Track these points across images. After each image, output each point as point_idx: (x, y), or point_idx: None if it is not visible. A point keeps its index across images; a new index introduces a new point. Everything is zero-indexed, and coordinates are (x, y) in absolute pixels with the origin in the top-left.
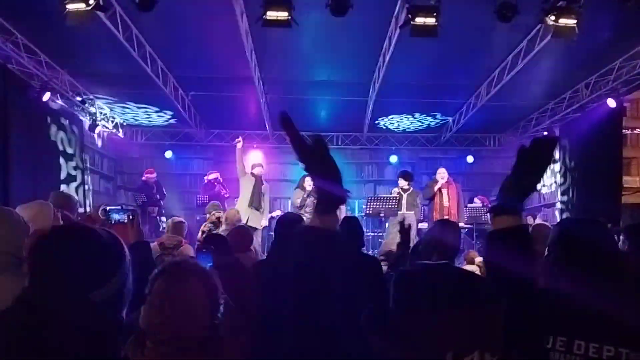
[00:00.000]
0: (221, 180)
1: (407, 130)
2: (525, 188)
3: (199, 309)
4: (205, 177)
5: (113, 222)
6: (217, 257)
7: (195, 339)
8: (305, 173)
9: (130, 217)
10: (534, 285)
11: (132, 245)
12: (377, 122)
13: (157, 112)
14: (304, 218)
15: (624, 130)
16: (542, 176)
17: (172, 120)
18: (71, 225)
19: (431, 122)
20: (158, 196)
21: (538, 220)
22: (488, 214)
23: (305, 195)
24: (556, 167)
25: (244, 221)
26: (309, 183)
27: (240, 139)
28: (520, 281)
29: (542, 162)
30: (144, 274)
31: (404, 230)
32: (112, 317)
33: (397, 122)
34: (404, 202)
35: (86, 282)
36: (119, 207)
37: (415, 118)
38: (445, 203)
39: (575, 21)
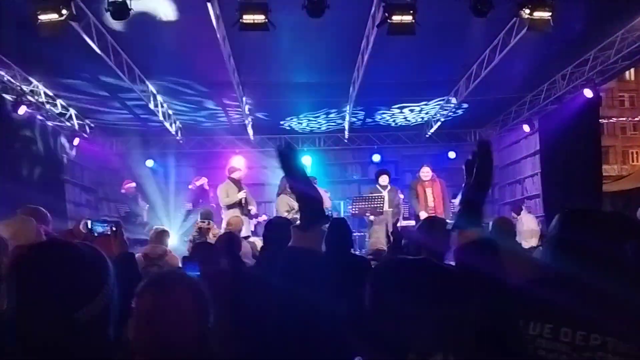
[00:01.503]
0: (195, 186)
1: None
2: (480, 198)
3: (189, 320)
4: (190, 185)
5: (96, 235)
6: (205, 266)
7: (185, 351)
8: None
9: (114, 229)
10: (505, 283)
11: (117, 258)
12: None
13: None
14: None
15: (600, 120)
16: (489, 181)
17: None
18: (52, 242)
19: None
20: (143, 204)
21: (524, 213)
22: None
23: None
24: (537, 158)
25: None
26: None
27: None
28: (492, 280)
29: (485, 169)
30: (130, 287)
31: (397, 234)
32: (99, 336)
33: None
34: (385, 200)
35: (71, 301)
36: (102, 220)
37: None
38: (430, 203)
39: (549, 14)
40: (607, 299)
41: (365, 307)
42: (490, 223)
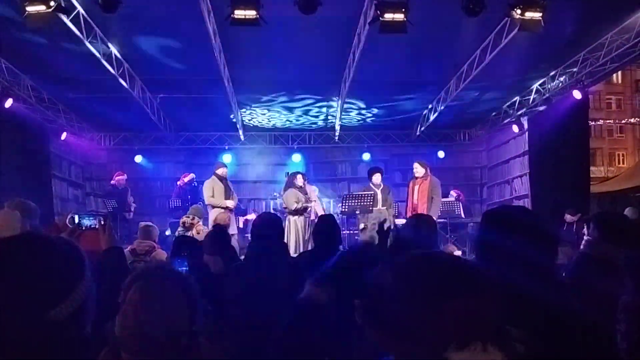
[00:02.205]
0: (184, 183)
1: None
2: None
3: (177, 315)
4: (179, 181)
5: (84, 229)
6: (192, 261)
7: (173, 347)
8: (292, 171)
9: (102, 222)
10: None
11: (105, 252)
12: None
13: None
14: (302, 218)
15: (588, 121)
16: None
17: None
18: (25, 235)
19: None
20: (131, 210)
21: None
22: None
23: (301, 195)
24: (526, 159)
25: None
26: (301, 181)
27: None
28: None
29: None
30: (118, 281)
31: (382, 233)
32: (76, 335)
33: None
34: (378, 198)
35: (45, 298)
36: (90, 214)
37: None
38: (415, 199)
39: (540, 14)
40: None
41: (386, 301)
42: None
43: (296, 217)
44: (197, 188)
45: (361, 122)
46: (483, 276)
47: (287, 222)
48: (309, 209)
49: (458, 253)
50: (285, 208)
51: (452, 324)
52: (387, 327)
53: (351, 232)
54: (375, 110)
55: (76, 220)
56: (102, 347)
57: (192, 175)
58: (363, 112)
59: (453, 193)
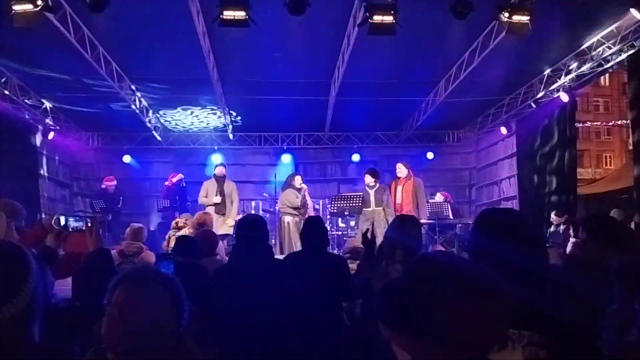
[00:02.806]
0: (173, 183)
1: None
2: None
3: (163, 317)
4: (167, 182)
5: (70, 230)
6: (182, 261)
7: (160, 349)
8: (292, 172)
9: (89, 224)
10: None
11: (92, 253)
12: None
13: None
14: (297, 219)
15: (575, 124)
16: None
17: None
18: None
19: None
20: (116, 204)
21: None
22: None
23: (298, 194)
24: (514, 160)
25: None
26: (299, 181)
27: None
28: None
29: None
30: (105, 282)
31: (367, 242)
32: (19, 337)
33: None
34: (372, 198)
35: None
36: (77, 215)
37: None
38: (398, 200)
39: (528, 17)
40: (521, 295)
41: (409, 303)
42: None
43: (290, 217)
44: (185, 188)
45: (350, 123)
46: (495, 279)
47: (281, 222)
48: (306, 210)
49: None
50: (280, 208)
51: (471, 326)
52: (407, 327)
53: (341, 232)
54: (364, 111)
55: (62, 222)
56: (44, 352)
57: (180, 176)
58: (351, 113)
59: (440, 195)
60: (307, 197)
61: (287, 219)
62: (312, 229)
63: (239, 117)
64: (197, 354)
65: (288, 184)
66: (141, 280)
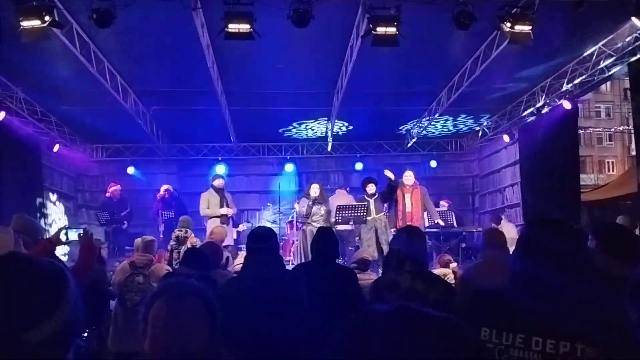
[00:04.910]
0: (169, 193)
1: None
2: None
3: (201, 326)
4: (159, 194)
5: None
6: (193, 274)
7: (200, 357)
8: (311, 182)
9: (81, 234)
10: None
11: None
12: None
13: None
14: (306, 229)
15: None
16: None
17: None
18: (6, 255)
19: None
20: (123, 212)
21: (504, 222)
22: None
23: (310, 203)
24: (517, 168)
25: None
26: (314, 190)
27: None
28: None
29: None
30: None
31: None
32: (54, 358)
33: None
34: (372, 207)
35: (20, 320)
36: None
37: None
38: (408, 208)
39: (530, 27)
40: (573, 304)
41: None
42: (481, 235)
43: (309, 226)
44: (179, 198)
45: (353, 132)
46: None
47: (301, 232)
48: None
49: (454, 264)
50: (301, 217)
51: None
52: None
53: (343, 243)
54: (367, 121)
55: (69, 236)
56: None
57: (166, 186)
58: (355, 122)
59: (444, 203)
60: (322, 206)
61: (309, 227)
62: (322, 240)
63: (242, 126)
64: None
65: (305, 193)
66: (180, 292)
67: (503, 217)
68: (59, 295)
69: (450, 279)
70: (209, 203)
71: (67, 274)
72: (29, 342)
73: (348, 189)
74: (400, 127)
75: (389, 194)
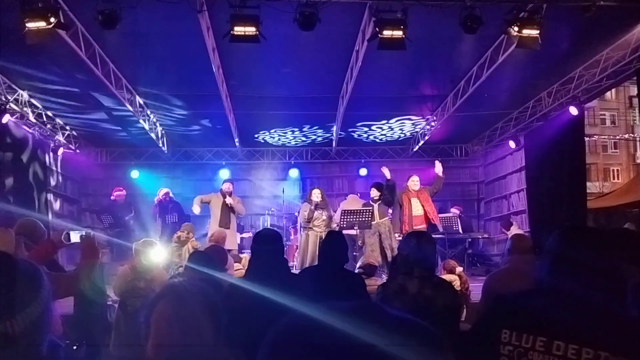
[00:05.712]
0: (168, 197)
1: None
2: None
3: (204, 328)
4: (156, 198)
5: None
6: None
7: (204, 358)
8: (312, 186)
9: (82, 236)
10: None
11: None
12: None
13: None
14: (309, 233)
15: None
16: None
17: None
18: None
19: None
20: (127, 214)
21: (514, 227)
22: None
23: (312, 207)
24: (522, 174)
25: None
26: (316, 195)
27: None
28: None
29: None
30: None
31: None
32: (28, 348)
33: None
34: (376, 212)
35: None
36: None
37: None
38: (415, 212)
39: (537, 31)
40: (600, 313)
41: None
42: (508, 240)
43: (310, 231)
44: (177, 202)
45: (358, 137)
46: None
47: (303, 236)
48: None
49: (459, 269)
50: (302, 221)
51: None
52: None
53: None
54: (372, 126)
55: (72, 238)
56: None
57: (164, 190)
58: (359, 127)
59: (455, 210)
60: (324, 211)
61: (311, 232)
62: (331, 244)
63: (247, 130)
64: None
65: (307, 198)
66: (181, 293)
67: (513, 222)
68: (34, 290)
69: (457, 285)
70: (209, 198)
71: (42, 272)
72: (7, 333)
73: (359, 194)
74: (405, 133)
75: (390, 194)
